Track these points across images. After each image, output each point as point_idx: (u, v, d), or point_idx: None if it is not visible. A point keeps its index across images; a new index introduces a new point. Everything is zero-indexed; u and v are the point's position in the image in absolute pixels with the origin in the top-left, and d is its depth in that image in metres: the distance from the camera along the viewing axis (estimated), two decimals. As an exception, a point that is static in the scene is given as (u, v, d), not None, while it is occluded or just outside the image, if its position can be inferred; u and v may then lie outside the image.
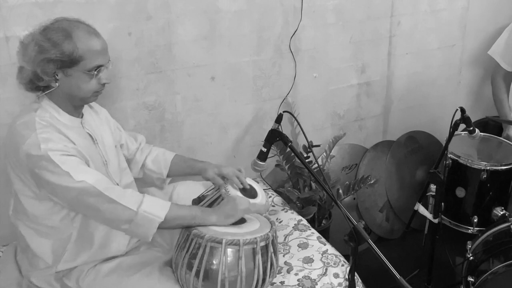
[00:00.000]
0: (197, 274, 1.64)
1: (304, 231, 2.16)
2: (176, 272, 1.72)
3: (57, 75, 1.62)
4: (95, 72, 1.65)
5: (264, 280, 1.70)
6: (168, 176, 2.10)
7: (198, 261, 1.64)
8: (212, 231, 1.69)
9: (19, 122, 1.63)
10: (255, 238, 1.67)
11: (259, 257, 1.67)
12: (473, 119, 2.44)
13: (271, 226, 1.78)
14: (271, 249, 1.72)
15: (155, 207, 1.66)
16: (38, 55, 1.58)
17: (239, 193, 1.93)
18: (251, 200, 1.91)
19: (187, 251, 1.67)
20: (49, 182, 1.58)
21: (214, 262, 1.64)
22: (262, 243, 1.68)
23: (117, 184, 1.83)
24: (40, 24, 1.63)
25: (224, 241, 1.63)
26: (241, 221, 1.80)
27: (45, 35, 1.59)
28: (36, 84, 1.64)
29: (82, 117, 1.78)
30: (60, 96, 1.68)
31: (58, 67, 1.60)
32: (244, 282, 1.65)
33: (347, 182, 2.70)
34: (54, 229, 1.70)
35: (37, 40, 1.59)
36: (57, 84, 1.63)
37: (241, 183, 1.98)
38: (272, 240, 1.73)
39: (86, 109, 1.83)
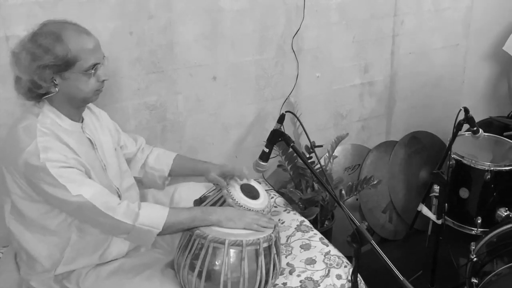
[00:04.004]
0: (199, 275, 1.64)
1: (307, 232, 2.15)
2: (178, 273, 1.71)
3: (55, 80, 1.59)
4: (93, 71, 1.62)
5: (266, 281, 1.69)
6: (169, 175, 2.08)
7: (201, 262, 1.63)
8: (214, 231, 1.68)
9: (20, 126, 1.60)
10: (258, 239, 1.66)
11: (262, 258, 1.66)
12: (477, 119, 2.43)
13: (274, 227, 1.77)
14: (274, 250, 1.71)
15: (152, 219, 1.66)
16: (32, 63, 1.55)
17: (241, 194, 1.91)
18: (253, 202, 1.89)
19: (189, 252, 1.66)
20: (46, 193, 1.57)
21: (216, 263, 1.63)
22: (265, 244, 1.68)
23: (118, 189, 1.81)
24: (28, 30, 1.60)
25: (227, 242, 1.62)
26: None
27: (35, 42, 1.56)
28: (36, 92, 1.61)
29: (82, 122, 1.76)
30: (61, 100, 1.65)
31: (55, 72, 1.57)
32: (247, 283, 1.64)
33: (350, 183, 2.69)
34: (51, 232, 1.68)
35: (28, 48, 1.56)
36: (56, 89, 1.60)
37: (244, 178, 1.97)
38: (275, 241, 1.73)
39: (86, 113, 1.81)
